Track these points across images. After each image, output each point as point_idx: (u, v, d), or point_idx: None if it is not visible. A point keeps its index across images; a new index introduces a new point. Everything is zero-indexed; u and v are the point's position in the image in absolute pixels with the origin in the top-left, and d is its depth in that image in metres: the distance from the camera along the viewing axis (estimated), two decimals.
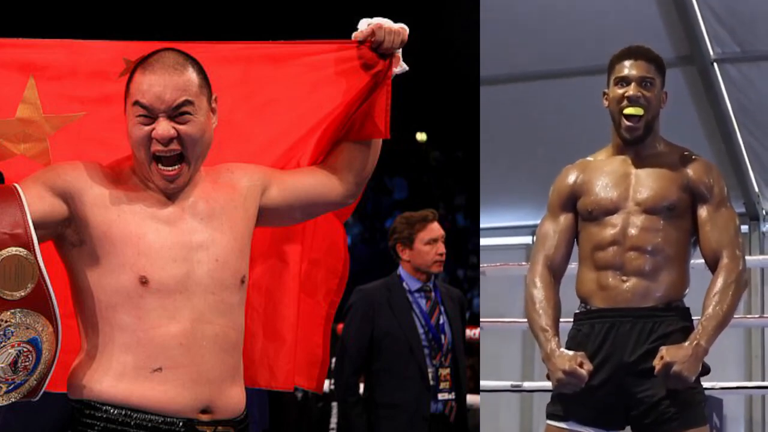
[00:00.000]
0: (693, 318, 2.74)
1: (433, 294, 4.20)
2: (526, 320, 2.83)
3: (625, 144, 2.82)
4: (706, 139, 6.28)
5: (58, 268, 2.10)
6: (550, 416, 2.76)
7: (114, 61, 2.22)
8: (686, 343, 2.59)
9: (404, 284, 4.19)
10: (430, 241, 4.19)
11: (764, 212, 6.75)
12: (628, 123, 2.79)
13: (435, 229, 4.22)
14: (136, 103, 2.07)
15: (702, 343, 2.59)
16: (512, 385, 5.03)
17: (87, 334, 2.10)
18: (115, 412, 2.04)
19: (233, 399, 2.13)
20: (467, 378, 4.39)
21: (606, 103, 2.85)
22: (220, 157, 2.26)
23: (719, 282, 2.67)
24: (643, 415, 2.64)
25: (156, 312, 2.05)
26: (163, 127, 2.07)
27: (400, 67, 2.37)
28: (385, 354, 4.09)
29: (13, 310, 1.93)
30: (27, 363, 1.95)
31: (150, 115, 2.07)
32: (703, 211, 2.76)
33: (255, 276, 2.36)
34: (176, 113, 2.08)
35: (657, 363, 2.58)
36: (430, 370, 4.08)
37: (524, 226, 7.16)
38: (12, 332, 1.93)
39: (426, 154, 16.43)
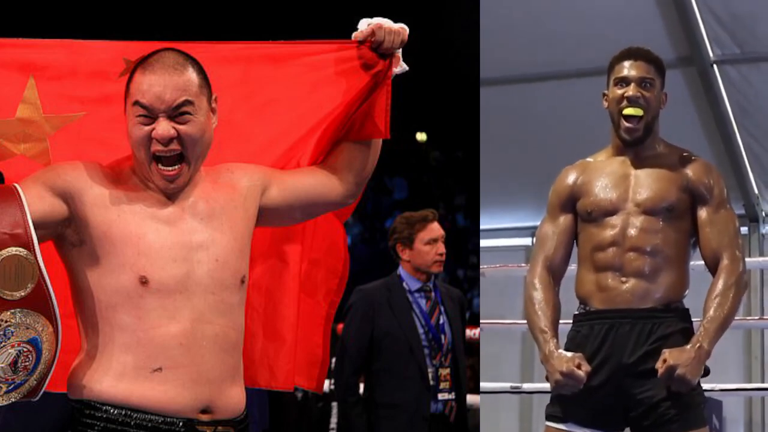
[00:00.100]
0: (693, 319, 2.74)
1: (433, 294, 4.20)
2: (525, 322, 2.83)
3: (625, 145, 2.82)
4: (706, 140, 6.28)
5: (58, 268, 2.10)
6: (549, 417, 2.76)
7: (114, 61, 2.22)
8: (689, 346, 2.59)
9: (404, 284, 4.19)
10: (430, 241, 4.19)
11: (764, 214, 6.75)
12: (627, 124, 2.79)
13: (435, 229, 4.22)
14: (136, 103, 2.07)
15: (704, 345, 2.59)
16: (512, 387, 5.03)
17: (87, 334, 2.10)
18: (115, 412, 2.04)
19: (233, 399, 2.13)
20: (467, 378, 4.39)
21: (606, 104, 2.85)
22: (220, 157, 2.26)
23: (720, 284, 2.66)
24: (643, 417, 2.64)
25: (156, 312, 2.05)
26: (163, 127, 2.07)
27: (400, 67, 2.37)
28: (385, 354, 4.09)
29: (13, 310, 1.93)
30: (27, 363, 1.95)
31: (150, 115, 2.07)
32: (702, 213, 2.76)
33: (255, 276, 2.36)
34: (176, 113, 2.08)
35: (660, 366, 2.58)
36: (430, 370, 4.08)
37: (524, 227, 7.16)
38: (12, 332, 1.93)
39: (426, 154, 16.44)
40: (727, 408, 6.10)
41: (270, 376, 2.43)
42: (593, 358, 2.69)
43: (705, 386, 2.71)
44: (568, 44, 5.92)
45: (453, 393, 4.11)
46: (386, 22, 2.30)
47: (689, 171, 2.79)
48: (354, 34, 2.32)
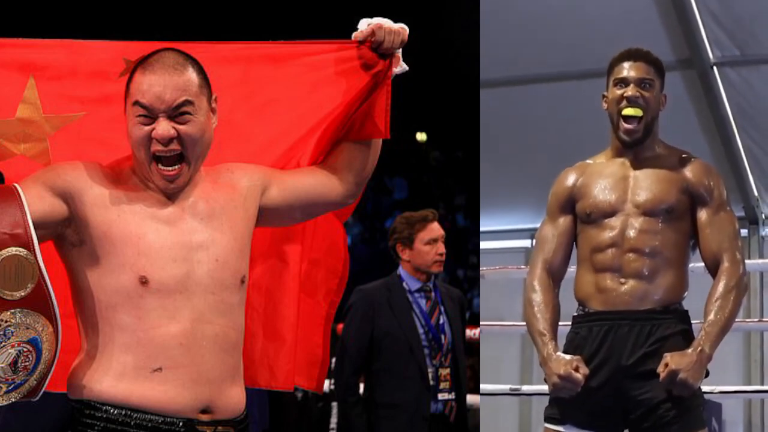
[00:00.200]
0: (693, 321, 2.73)
1: (433, 294, 4.20)
2: (525, 324, 2.82)
3: (624, 146, 2.82)
4: (706, 142, 6.28)
5: (58, 268, 2.10)
6: (547, 419, 2.76)
7: (114, 61, 2.22)
8: (690, 350, 2.58)
9: (404, 284, 4.19)
10: (430, 241, 4.19)
11: (763, 216, 6.75)
12: (627, 126, 2.78)
13: (435, 229, 4.22)
14: (136, 103, 2.07)
15: (706, 349, 2.58)
16: (511, 389, 5.03)
17: (87, 334, 2.10)
18: (115, 412, 2.04)
19: (233, 399, 2.13)
20: (467, 378, 4.39)
21: (605, 105, 2.85)
22: (220, 157, 2.26)
23: (720, 287, 2.66)
24: (642, 419, 2.63)
25: (156, 312, 2.05)
26: (163, 127, 2.07)
27: (400, 67, 2.37)
28: (385, 354, 4.09)
29: (13, 310, 1.93)
30: (27, 363, 1.95)
31: (150, 115, 2.07)
32: (702, 214, 2.75)
33: (255, 276, 2.36)
34: (176, 113, 2.08)
35: (662, 370, 2.57)
36: (430, 370, 4.08)
37: (523, 229, 7.17)
38: (12, 332, 1.93)
39: (426, 154, 16.44)
40: (727, 410, 6.10)
41: (270, 376, 2.43)
42: (592, 359, 2.69)
43: (704, 388, 2.70)
44: (568, 46, 5.92)
45: (453, 393, 4.11)
46: (386, 22, 2.30)
47: (689, 172, 2.78)
48: (354, 34, 2.32)
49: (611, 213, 2.77)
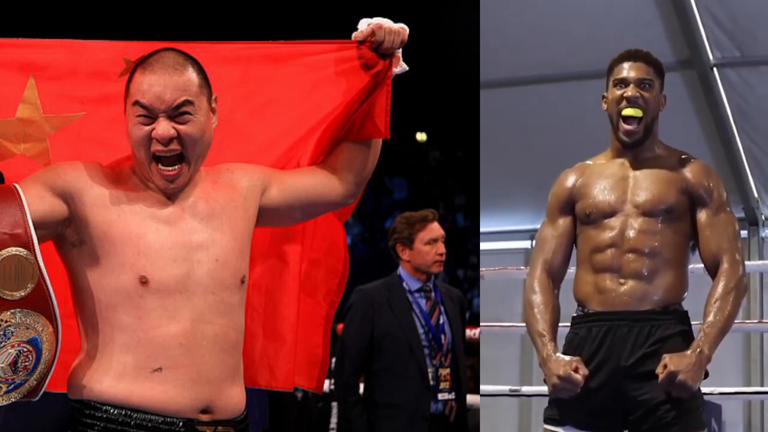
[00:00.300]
0: (692, 322, 2.73)
1: (433, 294, 4.20)
2: (524, 325, 2.82)
3: (624, 147, 2.82)
4: (706, 143, 6.28)
5: (58, 268, 2.10)
6: (547, 421, 2.76)
7: (114, 61, 2.22)
8: (689, 351, 2.58)
9: (404, 284, 4.19)
10: (430, 241, 4.19)
11: (763, 217, 6.74)
12: (626, 126, 2.78)
13: (435, 229, 4.22)
14: (136, 103, 2.07)
15: (705, 350, 2.58)
16: (511, 390, 5.02)
17: (87, 334, 2.10)
18: (115, 412, 2.04)
19: (233, 399, 2.13)
20: (467, 378, 4.39)
21: (605, 106, 2.85)
22: (220, 157, 2.26)
23: (720, 288, 2.66)
24: (641, 420, 2.63)
25: (156, 312, 2.05)
26: (163, 127, 2.07)
27: (400, 67, 2.37)
28: (385, 354, 4.09)
29: (13, 310, 1.93)
30: (27, 363, 1.95)
31: (150, 115, 2.07)
32: (702, 215, 2.75)
33: (255, 276, 2.36)
34: (176, 113, 2.08)
35: (660, 371, 2.57)
36: (430, 370, 4.08)
37: (523, 230, 7.16)
38: (12, 332, 1.93)
39: (426, 154, 16.44)
40: (726, 411, 6.10)
41: (270, 376, 2.43)
42: (591, 360, 2.69)
43: (704, 390, 2.70)
44: (568, 47, 5.92)
45: (453, 393, 4.11)
46: (386, 22, 2.30)
47: (688, 173, 2.78)
48: (354, 34, 2.32)
49: (611, 213, 2.77)
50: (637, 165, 2.81)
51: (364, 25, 2.31)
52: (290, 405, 6.12)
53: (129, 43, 2.22)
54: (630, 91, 2.78)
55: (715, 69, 6.04)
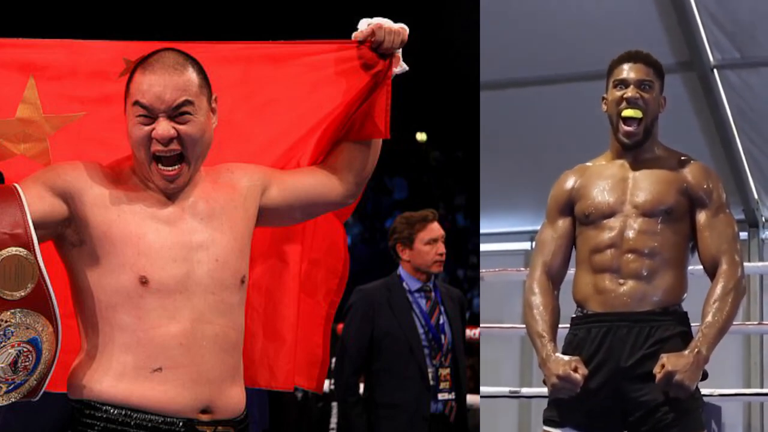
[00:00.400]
0: (692, 324, 2.73)
1: (433, 294, 4.20)
2: (524, 326, 2.82)
3: (624, 148, 2.82)
4: (706, 145, 6.27)
5: (58, 268, 2.10)
6: (546, 422, 2.76)
7: (114, 61, 2.22)
8: (687, 351, 2.58)
9: (404, 284, 4.19)
10: (430, 241, 4.19)
11: (763, 219, 6.74)
12: (626, 128, 2.78)
13: (435, 229, 4.22)
14: (136, 103, 2.07)
15: (703, 351, 2.57)
16: (510, 391, 5.02)
17: (87, 334, 2.10)
18: (115, 412, 2.04)
19: (233, 399, 2.13)
20: (467, 378, 4.39)
21: (605, 107, 2.85)
22: (220, 157, 2.26)
23: (718, 289, 2.65)
24: (641, 421, 2.63)
25: (156, 312, 2.05)
26: (163, 127, 2.07)
27: (400, 67, 2.37)
28: (385, 354, 4.09)
29: (13, 310, 1.93)
30: (27, 363, 1.95)
31: (150, 115, 2.07)
32: (701, 217, 2.75)
33: (255, 276, 2.35)
34: (176, 113, 2.08)
35: (658, 371, 2.57)
36: (430, 370, 4.08)
37: (523, 231, 7.15)
38: (12, 332, 1.93)
39: (426, 154, 16.44)
40: (726, 413, 6.08)
41: (270, 376, 2.43)
42: (590, 361, 2.69)
43: (704, 391, 2.70)
44: (569, 48, 5.92)
45: (453, 393, 4.11)
46: (386, 22, 2.30)
47: (688, 174, 2.78)
48: (354, 34, 2.32)
49: (610, 214, 2.77)
50: (636, 166, 2.81)
51: (364, 25, 2.31)
52: (290, 405, 6.12)
53: (129, 43, 2.22)
54: (630, 92, 2.78)
55: (715, 70, 6.03)
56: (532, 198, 5.80)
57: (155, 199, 2.12)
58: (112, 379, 2.05)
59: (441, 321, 4.16)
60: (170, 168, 2.09)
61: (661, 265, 2.71)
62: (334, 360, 4.12)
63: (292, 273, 2.45)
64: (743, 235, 6.52)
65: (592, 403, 2.67)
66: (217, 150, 2.21)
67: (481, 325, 5.46)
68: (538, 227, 2.94)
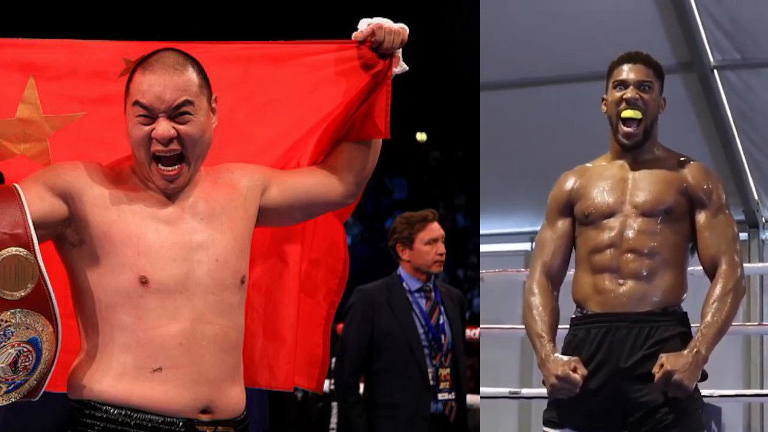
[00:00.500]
0: (692, 324, 2.73)
1: (433, 294, 4.20)
2: (524, 327, 2.82)
3: (624, 149, 2.82)
4: (706, 146, 6.27)
5: (58, 268, 2.10)
6: (546, 423, 2.75)
7: (114, 61, 2.22)
8: (686, 351, 2.57)
9: (404, 284, 4.19)
10: (430, 241, 4.19)
11: (764, 220, 6.74)
12: (626, 129, 2.78)
13: (435, 229, 4.22)
14: (136, 103, 2.07)
15: (702, 350, 2.57)
16: (510, 392, 5.02)
17: (87, 334, 2.10)
18: (115, 412, 2.04)
19: (233, 399, 2.13)
20: (467, 378, 4.39)
21: (604, 108, 2.85)
22: (220, 157, 2.26)
23: (718, 289, 2.65)
24: (641, 422, 2.62)
25: (156, 312, 2.05)
26: (163, 127, 2.07)
27: (400, 67, 2.37)
28: (385, 354, 4.09)
29: (13, 310, 1.93)
30: (27, 363, 1.95)
31: (150, 115, 2.07)
32: (701, 217, 2.75)
33: (255, 276, 2.35)
34: (176, 113, 2.08)
35: (657, 371, 2.57)
36: (430, 370, 4.08)
37: (523, 232, 7.15)
38: (12, 332, 1.93)
39: (426, 154, 16.44)
40: (726, 414, 6.08)
41: (270, 376, 2.43)
42: (590, 361, 2.68)
43: (704, 392, 2.69)
44: (569, 49, 5.92)
45: (453, 393, 4.11)
46: (386, 22, 2.30)
47: (688, 175, 2.78)
48: (354, 34, 2.32)
49: (610, 214, 2.77)
50: (636, 167, 2.81)
51: (364, 25, 2.31)
52: (290, 405, 6.12)
53: (129, 43, 2.22)
54: (629, 93, 2.78)
55: (715, 71, 6.03)
56: (532, 199, 5.80)
57: (155, 199, 2.12)
58: (112, 379, 2.05)
59: (441, 321, 4.16)
60: (170, 168, 2.09)
61: (660, 265, 2.71)
62: (334, 360, 4.12)
63: (292, 273, 2.45)
64: (743, 236, 6.52)
65: (591, 404, 2.67)
66: (217, 150, 2.21)
67: (481, 326, 5.46)
68: (538, 228, 2.94)
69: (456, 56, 9.65)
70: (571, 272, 2.87)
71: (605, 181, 2.81)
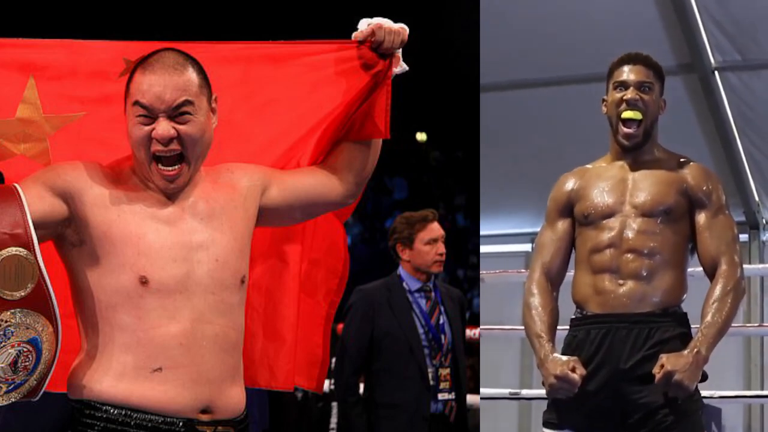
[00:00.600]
0: (692, 325, 2.72)
1: (433, 294, 4.20)
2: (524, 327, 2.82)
3: (623, 150, 2.82)
4: (707, 147, 6.28)
5: (58, 268, 2.10)
6: (545, 424, 2.75)
7: (114, 61, 2.22)
8: (686, 351, 2.57)
9: (404, 284, 4.19)
10: (430, 241, 4.19)
11: (764, 221, 6.74)
12: (626, 129, 2.78)
13: (435, 229, 4.22)
14: (136, 103, 2.07)
15: (702, 351, 2.57)
16: (510, 393, 5.02)
17: (87, 334, 2.10)
18: (115, 412, 2.04)
19: (233, 399, 2.13)
20: (467, 378, 4.39)
21: (604, 109, 2.85)
22: (220, 157, 2.26)
23: (718, 289, 2.65)
24: (640, 423, 2.62)
25: (156, 312, 2.05)
26: (163, 127, 2.07)
27: (400, 67, 2.37)
28: (385, 354, 4.09)
29: (13, 310, 1.93)
30: (27, 363, 1.95)
31: (150, 115, 2.07)
32: (701, 218, 2.75)
33: (255, 276, 2.35)
34: (176, 113, 2.08)
35: (657, 371, 2.56)
36: (430, 370, 4.08)
37: (524, 233, 7.15)
38: (12, 332, 1.93)
39: (426, 154, 16.44)
40: (727, 415, 6.08)
41: (270, 376, 2.43)
42: (590, 362, 2.68)
43: (704, 393, 2.69)
44: (570, 50, 5.92)
45: (453, 393, 4.11)
46: (386, 22, 2.30)
47: (688, 176, 2.78)
48: (354, 34, 2.32)
49: (609, 214, 2.77)
50: (636, 167, 2.81)
51: (364, 25, 2.31)
52: (290, 405, 6.12)
53: (129, 43, 2.22)
54: (630, 94, 2.78)
55: (716, 72, 6.03)
56: (532, 200, 5.80)
57: (155, 199, 2.12)
58: (112, 379, 2.05)
59: (441, 321, 4.16)
60: (170, 168, 2.09)
61: (660, 266, 2.71)
62: (334, 360, 4.12)
63: (292, 273, 2.45)
64: (744, 237, 6.52)
65: (591, 405, 2.67)
66: (217, 150, 2.22)
67: (481, 327, 5.46)
68: (539, 229, 2.94)
69: (456, 56, 9.65)
70: (570, 273, 2.87)
71: (605, 182, 2.81)
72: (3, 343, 1.92)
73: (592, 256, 2.76)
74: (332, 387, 4.52)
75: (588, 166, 2.91)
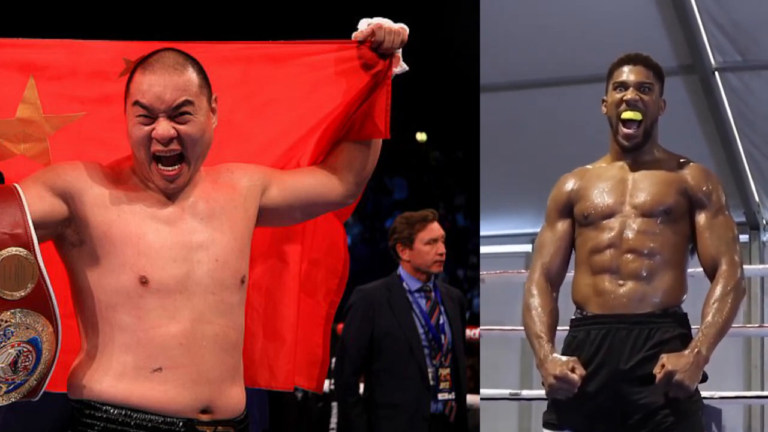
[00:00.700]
0: (692, 326, 2.72)
1: (433, 294, 4.20)
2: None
3: (624, 151, 2.82)
4: (707, 147, 6.27)
5: (58, 268, 2.10)
6: (545, 425, 2.75)
7: (114, 61, 2.22)
8: (687, 351, 2.57)
9: (404, 284, 4.19)
10: (430, 241, 4.19)
11: (764, 222, 6.73)
12: (626, 130, 2.78)
13: (435, 229, 4.22)
14: (136, 103, 2.07)
15: (703, 351, 2.57)
16: (511, 394, 5.01)
17: (87, 334, 2.10)
18: (115, 412, 2.04)
19: (233, 399, 2.13)
20: (467, 378, 4.39)
21: (604, 109, 2.85)
22: (220, 157, 2.26)
23: (718, 289, 2.65)
24: (640, 424, 2.62)
25: (156, 312, 2.05)
26: (163, 127, 2.07)
27: (400, 67, 2.37)
28: (385, 354, 4.09)
29: (13, 310, 1.93)
30: (27, 363, 1.95)
31: (150, 115, 2.07)
32: (701, 218, 2.75)
33: (255, 276, 2.36)
34: (176, 113, 2.08)
35: (658, 371, 2.56)
36: (430, 370, 4.08)
37: (524, 234, 7.15)
38: (12, 332, 1.93)
39: (426, 154, 16.44)
40: (727, 416, 6.08)
41: (270, 376, 2.43)
42: (590, 363, 2.68)
43: (704, 394, 2.68)
44: (570, 51, 5.91)
45: (453, 393, 4.11)
46: (386, 22, 2.30)
47: (688, 176, 2.78)
48: (354, 34, 2.32)
49: (609, 214, 2.77)
50: (636, 168, 2.81)
51: (364, 25, 2.31)
52: (290, 405, 6.12)
53: (129, 43, 2.22)
54: (629, 95, 2.78)
55: (716, 73, 6.03)
56: (532, 200, 5.79)
57: (155, 199, 2.12)
58: (112, 379, 2.05)
59: (441, 321, 4.16)
60: (170, 168, 2.09)
61: (660, 266, 2.71)
62: (334, 360, 4.12)
63: (292, 273, 2.45)
64: (744, 237, 6.51)
65: (591, 406, 2.67)
66: (217, 150, 2.22)
67: (481, 327, 5.45)
68: (539, 230, 2.94)
69: (456, 56, 9.65)
70: (570, 273, 2.87)
71: (605, 182, 2.81)
72: (3, 343, 1.92)
73: (592, 257, 2.76)
74: (332, 387, 4.52)
75: (588, 166, 2.91)
